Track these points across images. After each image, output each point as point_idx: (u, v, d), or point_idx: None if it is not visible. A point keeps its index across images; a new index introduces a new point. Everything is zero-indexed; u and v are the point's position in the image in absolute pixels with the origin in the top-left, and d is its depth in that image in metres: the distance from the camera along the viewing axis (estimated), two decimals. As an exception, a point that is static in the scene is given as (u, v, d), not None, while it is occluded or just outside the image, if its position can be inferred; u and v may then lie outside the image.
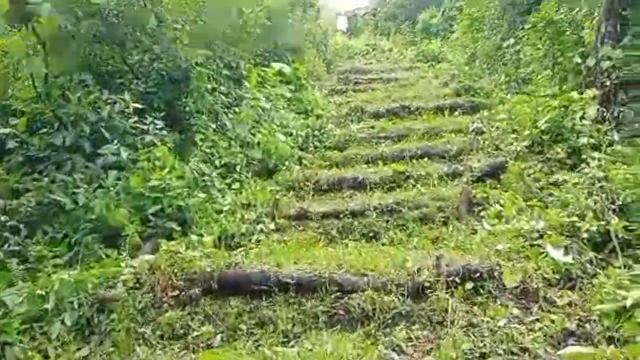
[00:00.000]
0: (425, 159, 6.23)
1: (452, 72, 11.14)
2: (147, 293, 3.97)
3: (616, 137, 5.10)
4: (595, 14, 5.93)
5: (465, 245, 4.05)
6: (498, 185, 5.16)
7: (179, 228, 5.03)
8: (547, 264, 3.43)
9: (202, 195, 5.30)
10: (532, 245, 3.73)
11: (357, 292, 3.53)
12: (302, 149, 7.48)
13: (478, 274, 3.36)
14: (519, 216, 4.22)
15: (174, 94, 6.62)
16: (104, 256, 4.62)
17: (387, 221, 4.88)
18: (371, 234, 4.82)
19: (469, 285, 3.34)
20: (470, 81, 9.67)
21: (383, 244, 4.60)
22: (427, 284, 3.39)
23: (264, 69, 9.07)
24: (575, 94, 5.21)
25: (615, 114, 5.36)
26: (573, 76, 5.98)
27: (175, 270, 4.07)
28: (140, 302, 3.89)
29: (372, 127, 7.93)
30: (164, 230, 5.01)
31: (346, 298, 3.53)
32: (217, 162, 6.16)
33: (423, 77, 12.06)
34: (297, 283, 3.72)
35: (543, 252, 3.60)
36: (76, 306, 3.79)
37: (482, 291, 3.32)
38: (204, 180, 5.66)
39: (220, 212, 5.44)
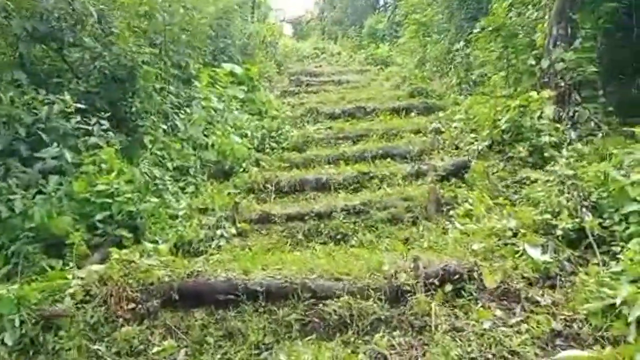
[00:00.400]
0: (388, 159, 6.14)
1: (402, 75, 11.25)
2: (98, 306, 3.59)
3: (573, 135, 5.23)
4: (546, 17, 6.09)
5: (439, 246, 3.95)
6: (463, 184, 5.13)
7: (130, 235, 4.64)
8: (525, 263, 3.38)
9: (155, 200, 4.92)
10: (506, 244, 3.68)
11: (332, 298, 3.32)
12: (258, 151, 7.21)
13: (457, 276, 3.25)
14: (489, 215, 4.18)
15: (119, 93, 6.17)
16: (47, 268, 4.17)
17: (355, 222, 4.71)
18: (339, 236, 4.63)
19: (449, 287, 3.22)
20: (422, 84, 9.75)
21: (352, 246, 4.42)
22: (405, 287, 3.24)
23: (214, 69, 8.71)
24: (534, 94, 5.29)
25: (571, 114, 5.50)
26: (527, 77, 6.09)
27: (130, 281, 3.70)
28: (91, 316, 3.51)
29: (330, 128, 7.79)
30: (113, 238, 4.60)
31: (321, 305, 3.31)
32: (169, 165, 5.78)
33: (374, 80, 12.14)
34: (267, 290, 3.46)
35: (518, 251, 3.55)
36: (18, 324, 3.35)
37: (462, 293, 3.21)
38: (155, 184, 5.27)
39: (175, 217, 5.08)
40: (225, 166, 6.49)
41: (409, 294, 3.22)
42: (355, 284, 3.37)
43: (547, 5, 5.94)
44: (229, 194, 5.71)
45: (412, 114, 8.05)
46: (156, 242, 4.65)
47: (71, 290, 3.69)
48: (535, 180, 4.53)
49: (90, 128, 5.29)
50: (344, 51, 17.86)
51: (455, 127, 6.56)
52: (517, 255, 3.51)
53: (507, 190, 4.72)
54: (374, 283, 3.32)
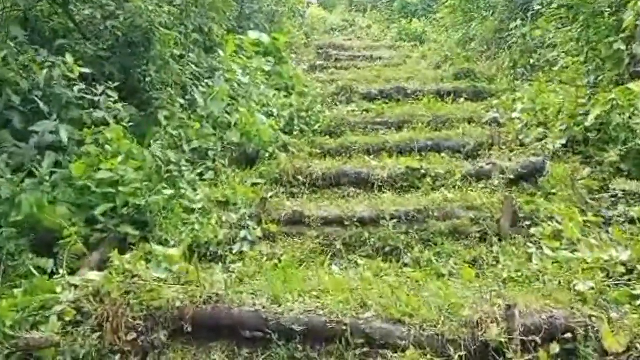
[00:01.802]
0: (439, 153, 5.24)
1: (442, 54, 10.26)
2: (91, 333, 2.83)
3: (675, 140, 4.27)
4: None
5: (524, 278, 3.09)
6: (537, 192, 4.24)
7: (136, 233, 3.88)
8: (657, 319, 2.53)
9: (168, 191, 4.11)
10: (618, 285, 2.82)
11: (393, 349, 2.52)
12: (286, 133, 6.32)
13: (567, 332, 2.41)
14: (584, 238, 3.30)
15: (132, 59, 5.34)
16: (34, 270, 3.41)
17: (407, 233, 3.85)
18: (388, 250, 3.79)
19: (555, 347, 2.39)
20: (468, 65, 8.75)
21: (406, 265, 3.59)
22: (496, 344, 2.41)
23: (239, 37, 7.80)
24: (634, 86, 4.31)
25: (670, 113, 4.53)
26: (612, 65, 5.10)
27: (132, 302, 2.94)
28: (81, 346, 2.76)
29: (367, 111, 6.89)
30: (117, 235, 3.84)
31: (378, 357, 2.51)
32: (185, 147, 4.95)
33: (409, 57, 11.20)
34: (306, 330, 2.66)
35: (637, 297, 2.69)
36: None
37: (574, 358, 2.38)
38: (169, 171, 4.46)
39: (191, 211, 4.28)
40: (249, 150, 5.65)
41: (500, 354, 2.39)
42: (424, 330, 2.55)
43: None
44: (253, 185, 4.89)
45: (461, 99, 7.10)
46: (167, 242, 3.86)
47: (59, 308, 2.95)
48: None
49: (96, 99, 4.49)
50: (374, 25, 16.79)
51: (518, 119, 5.61)
52: (638, 304, 2.65)
53: (599, 204, 3.82)
54: (451, 333, 2.50)
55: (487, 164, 4.58)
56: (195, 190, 4.66)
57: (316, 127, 6.47)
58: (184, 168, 4.63)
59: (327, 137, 6.17)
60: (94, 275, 3.28)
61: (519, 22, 7.91)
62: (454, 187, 4.41)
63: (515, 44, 7.99)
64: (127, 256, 3.42)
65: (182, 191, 4.41)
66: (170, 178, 4.42)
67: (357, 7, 21.24)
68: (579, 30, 5.41)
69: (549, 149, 4.73)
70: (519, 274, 3.14)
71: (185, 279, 3.29)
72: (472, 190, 4.29)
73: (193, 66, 5.98)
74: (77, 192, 3.87)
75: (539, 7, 7.84)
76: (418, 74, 9.01)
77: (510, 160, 4.66)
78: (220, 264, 3.83)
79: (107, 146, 4.03)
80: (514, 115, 5.82)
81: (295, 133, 6.40)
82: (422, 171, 4.65)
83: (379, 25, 16.53)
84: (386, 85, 8.02)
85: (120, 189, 3.85)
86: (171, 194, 4.12)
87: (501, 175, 4.38)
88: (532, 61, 7.41)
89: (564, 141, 4.70)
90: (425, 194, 4.38)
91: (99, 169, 3.87)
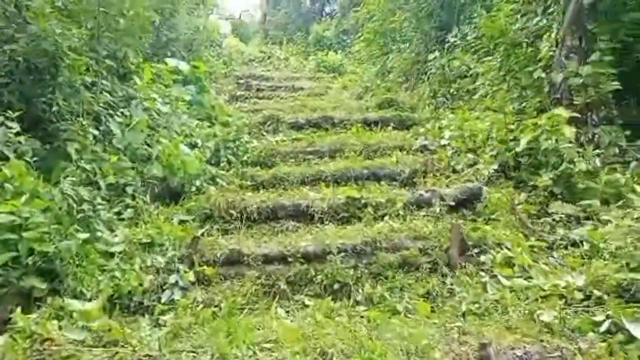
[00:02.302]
0: (376, 182, 5.13)
1: (363, 85, 10.48)
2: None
3: (598, 162, 4.48)
4: (554, 26, 5.38)
5: (483, 310, 2.95)
6: (477, 218, 4.21)
7: (44, 286, 3.29)
8: (628, 347, 2.46)
9: (82, 234, 3.56)
10: (577, 312, 2.76)
11: (363, 404, 2.23)
12: (212, 164, 5.92)
13: (545, 368, 2.27)
14: (535, 264, 3.26)
15: (36, 87, 4.75)
16: None
17: (356, 268, 3.61)
18: (336, 287, 3.50)
19: (534, 386, 2.23)
20: (389, 95, 8.94)
21: (358, 303, 3.33)
22: (474, 389, 2.21)
23: (156, 64, 7.32)
24: (560, 112, 4.48)
25: (590, 136, 4.78)
26: (534, 92, 5.33)
27: (43, 375, 2.40)
28: None
29: (297, 140, 6.69)
30: (20, 289, 3.22)
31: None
32: (101, 183, 4.40)
33: (330, 88, 11.35)
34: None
35: (600, 323, 2.63)
36: None
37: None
38: (82, 211, 3.89)
39: (110, 256, 3.74)
40: (173, 184, 5.18)
41: (480, 399, 2.19)
42: (396, 379, 2.29)
43: (557, 12, 5.22)
44: (181, 222, 4.43)
45: (389, 127, 7.12)
46: (83, 295, 3.31)
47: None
48: (576, 219, 3.68)
49: (-8, 131, 3.87)
50: (292, 57, 16.97)
51: (447, 146, 5.67)
52: (601, 331, 2.59)
53: (541, 228, 3.85)
54: (425, 380, 2.26)
55: (427, 192, 4.51)
56: (113, 231, 4.11)
57: (245, 157, 6.13)
58: (99, 207, 4.07)
59: (258, 168, 5.85)
60: (-9, 343, 2.69)
61: (437, 53, 8.20)
62: (396, 215, 4.27)
63: (434, 75, 8.26)
64: (34, 315, 2.88)
65: (98, 233, 3.86)
66: (83, 219, 3.85)
67: (272, 39, 21.41)
68: (499, 59, 5.62)
69: (483, 174, 4.77)
70: (477, 305, 3.00)
71: (107, 337, 2.79)
72: (415, 219, 4.17)
73: (107, 94, 5.44)
74: (-33, 241, 3.22)
75: (454, 39, 8.22)
76: (342, 103, 9.07)
77: (447, 186, 4.64)
78: (148, 316, 3.34)
79: (6, 184, 3.42)
80: (443, 142, 5.89)
81: (222, 164, 6.01)
82: (363, 200, 4.47)
83: (296, 58, 16.71)
84: (312, 114, 7.91)
85: (24, 234, 3.26)
86: (85, 238, 3.56)
87: (441, 202, 4.31)
88: (451, 90, 7.67)
89: (496, 166, 4.78)
90: (368, 224, 4.19)
91: (-3, 212, 3.26)
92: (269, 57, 16.50)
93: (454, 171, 5.19)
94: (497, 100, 5.68)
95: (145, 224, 4.33)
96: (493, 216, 4.16)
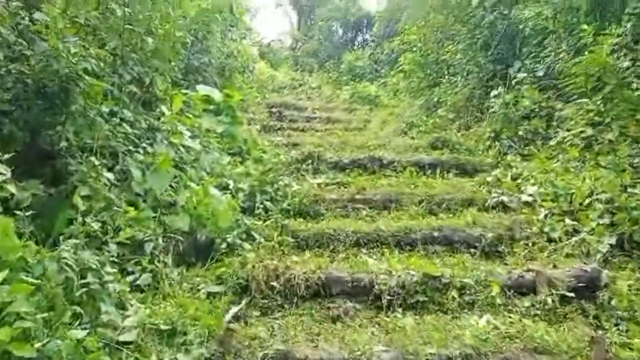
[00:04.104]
0: (447, 248, 4.13)
1: (407, 120, 9.56)
2: None
3: None
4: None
5: None
6: (601, 315, 3.15)
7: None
8: None
9: (78, 332, 2.60)
10: None
11: None
12: (245, 211, 4.98)
13: None
14: None
15: (45, 116, 3.93)
16: None
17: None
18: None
19: None
20: (442, 133, 7.98)
21: None
22: None
23: (185, 92, 6.50)
24: None
25: None
26: (646, 144, 4.30)
27: None
28: None
29: (342, 185, 5.75)
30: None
31: None
32: (110, 243, 3.47)
33: (368, 121, 10.51)
34: None
35: None
36: None
37: None
38: (85, 285, 2.95)
39: (117, 349, 2.78)
40: (201, 239, 4.25)
41: None
42: None
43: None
44: (209, 296, 3.47)
45: (449, 174, 6.13)
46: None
47: None
48: None
49: (-24, 174, 2.99)
50: (324, 86, 16.31)
51: (534, 204, 4.64)
52: None
53: None
54: None
55: (527, 272, 3.48)
56: (123, 308, 3.16)
57: (285, 204, 5.17)
58: (108, 277, 3.13)
59: (301, 219, 4.89)
60: None
61: (500, 89, 7.24)
62: (491, 305, 3.24)
63: (496, 113, 7.27)
64: None
65: (104, 317, 2.91)
66: (86, 297, 2.91)
67: (302, 66, 20.85)
68: (598, 103, 4.62)
69: (594, 249, 3.72)
70: None
71: None
72: (519, 313, 3.13)
73: (127, 126, 4.58)
74: None
75: (520, 74, 7.26)
76: (386, 140, 8.17)
77: (555, 266, 3.59)
78: None
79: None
80: (525, 198, 4.87)
81: (258, 212, 5.06)
82: (443, 279, 3.46)
83: (328, 86, 16.04)
84: (356, 153, 7.00)
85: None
86: (81, 337, 2.59)
87: (549, 291, 3.27)
88: (519, 132, 6.67)
89: (613, 240, 3.72)
90: (455, 316, 3.16)
91: (-39, 297, 2.34)
92: (300, 85, 15.88)
93: (549, 240, 4.15)
94: (597, 151, 4.65)
95: (166, 298, 3.38)
96: (626, 314, 3.09)
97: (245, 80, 10.36)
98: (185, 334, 3.00)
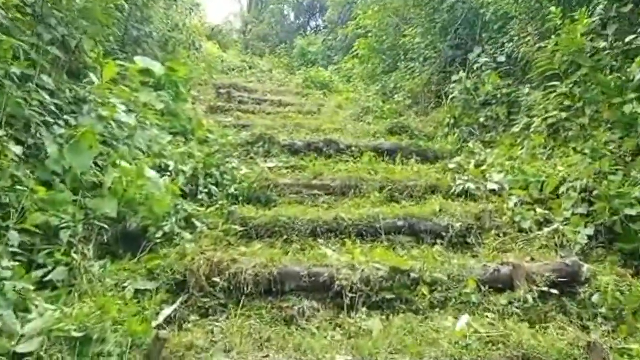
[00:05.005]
0: (413, 238, 3.73)
1: (363, 105, 9.20)
2: None
3: None
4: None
5: None
6: (585, 314, 2.84)
7: None
8: None
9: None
10: None
11: None
12: (185, 196, 4.39)
13: None
14: None
15: None
16: None
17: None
18: None
19: None
20: (399, 119, 7.67)
21: None
22: None
23: (121, 63, 5.74)
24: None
25: None
26: (622, 131, 4.06)
27: None
28: None
29: (297, 168, 5.27)
30: None
31: None
32: (12, 230, 2.81)
33: (322, 106, 10.07)
34: None
35: None
36: None
37: None
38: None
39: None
40: (131, 227, 3.64)
41: None
42: None
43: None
44: (137, 293, 2.89)
45: (410, 160, 5.77)
46: None
47: None
48: None
49: None
50: (275, 70, 15.76)
51: (502, 193, 4.34)
52: None
53: None
54: None
55: (503, 265, 3.12)
56: (27, 310, 2.54)
57: (232, 190, 4.62)
58: (4, 273, 2.49)
59: (250, 206, 4.35)
60: None
61: (461, 74, 6.94)
62: (464, 304, 2.85)
63: (456, 99, 6.98)
64: None
65: (-3, 323, 2.28)
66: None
67: (253, 50, 20.12)
68: (570, 86, 4.35)
69: (571, 240, 3.42)
70: None
71: None
72: (498, 312, 2.75)
73: (45, 95, 3.85)
74: None
75: (482, 59, 7.00)
76: (342, 125, 7.78)
77: (532, 259, 3.26)
78: None
79: None
80: (491, 186, 4.56)
81: (201, 197, 4.49)
82: (411, 275, 3.04)
83: (280, 71, 15.52)
84: (312, 136, 6.55)
85: None
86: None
87: (528, 287, 2.92)
88: (480, 119, 6.40)
89: (590, 231, 3.44)
90: (428, 316, 2.75)
91: None
92: (250, 68, 15.23)
93: (520, 230, 3.84)
94: (566, 137, 4.38)
95: (82, 298, 2.77)
96: (611, 313, 2.78)
97: (191, 57, 9.61)
98: (103, 342, 2.41)
